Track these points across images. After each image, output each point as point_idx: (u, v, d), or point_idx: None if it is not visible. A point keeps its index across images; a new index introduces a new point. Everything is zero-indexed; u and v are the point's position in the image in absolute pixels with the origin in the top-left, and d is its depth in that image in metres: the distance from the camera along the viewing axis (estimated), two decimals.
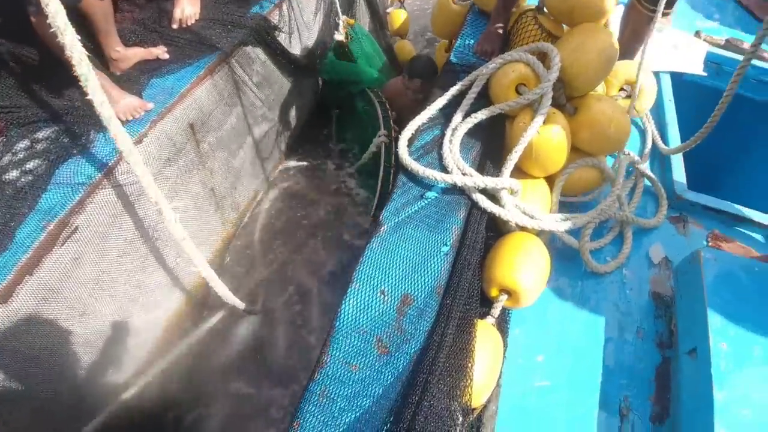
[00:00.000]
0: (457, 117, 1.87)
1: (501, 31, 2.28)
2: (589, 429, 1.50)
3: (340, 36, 3.82)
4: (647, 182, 2.16)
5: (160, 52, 2.59)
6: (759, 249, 2.01)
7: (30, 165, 2.02)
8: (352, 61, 3.85)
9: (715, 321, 1.48)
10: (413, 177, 1.74)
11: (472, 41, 2.39)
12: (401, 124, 3.49)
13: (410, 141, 1.85)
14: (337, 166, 4.08)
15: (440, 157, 1.77)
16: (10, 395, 1.90)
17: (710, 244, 2.03)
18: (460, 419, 1.29)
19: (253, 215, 3.56)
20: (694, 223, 2.10)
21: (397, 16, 5.16)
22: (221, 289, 2.58)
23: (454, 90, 1.97)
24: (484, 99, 1.95)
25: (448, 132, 1.82)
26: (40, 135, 2.11)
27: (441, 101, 1.96)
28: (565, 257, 1.86)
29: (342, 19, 3.82)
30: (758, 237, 2.09)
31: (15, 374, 1.91)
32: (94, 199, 2.03)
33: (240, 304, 2.84)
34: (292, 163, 4.04)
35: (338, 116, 4.29)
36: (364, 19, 4.70)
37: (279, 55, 3.33)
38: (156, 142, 2.32)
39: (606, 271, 1.83)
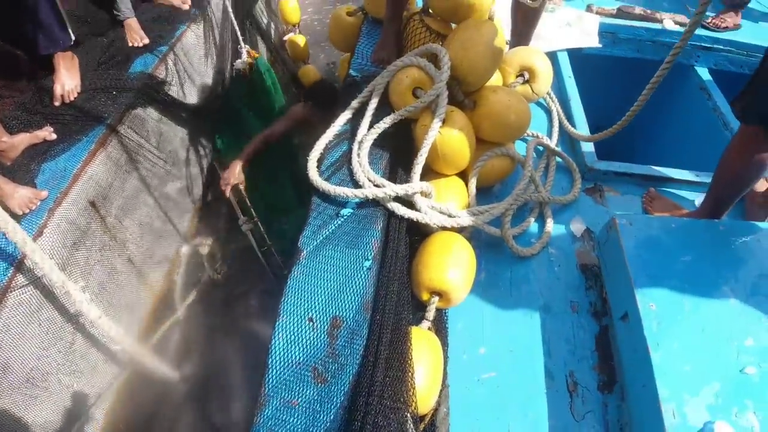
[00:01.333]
0: (362, 129, 1.87)
1: (394, 37, 2.31)
2: (541, 411, 1.52)
3: (242, 65, 3.77)
4: (559, 160, 2.22)
5: (47, 133, 2.49)
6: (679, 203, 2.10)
7: None
8: (254, 90, 3.86)
9: (640, 283, 1.52)
10: (326, 197, 1.73)
11: (369, 51, 2.41)
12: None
13: (319, 161, 1.85)
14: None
15: (351, 173, 1.77)
16: None
17: (645, 202, 2.10)
18: (411, 430, 1.28)
19: (179, 273, 3.45)
20: (610, 190, 2.17)
21: (296, 43, 5.21)
22: (149, 362, 2.54)
23: (355, 103, 1.98)
24: (387, 107, 1.97)
25: (355, 146, 1.83)
26: None
27: (345, 116, 1.97)
28: (491, 247, 1.89)
29: (245, 49, 3.78)
30: (675, 192, 2.18)
31: None
32: (6, 303, 1.95)
33: (172, 374, 2.81)
34: (210, 212, 3.92)
35: None
36: (261, 51, 4.72)
37: (173, 108, 3.26)
38: (58, 230, 2.23)
39: (532, 253, 1.86)
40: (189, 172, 3.66)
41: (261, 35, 4.78)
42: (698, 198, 2.15)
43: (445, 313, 1.68)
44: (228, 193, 3.07)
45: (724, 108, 2.77)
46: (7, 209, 2.07)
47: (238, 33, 3.74)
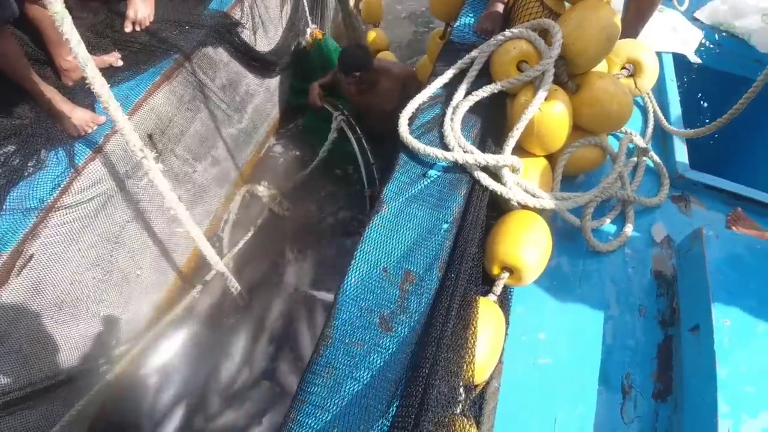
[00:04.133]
0: (458, 95, 1.85)
1: (501, 9, 2.26)
2: (591, 405, 1.51)
3: (305, 42, 3.94)
4: (649, 162, 2.15)
5: (113, 59, 2.44)
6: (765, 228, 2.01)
7: None
8: (310, 67, 3.98)
9: (717, 298, 1.48)
10: (414, 156, 1.72)
11: (472, 21, 2.36)
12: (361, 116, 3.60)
13: (411, 120, 1.83)
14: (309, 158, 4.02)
15: (441, 135, 1.75)
16: None
17: (729, 220, 2.03)
18: (463, 395, 1.28)
19: (232, 220, 3.47)
20: (696, 202, 2.09)
21: (370, 4, 5.10)
22: (209, 253, 2.49)
23: (454, 68, 1.95)
24: (484, 77, 1.93)
25: (449, 110, 1.80)
26: None
27: (441, 80, 1.94)
28: (566, 236, 1.85)
29: (311, 28, 3.88)
30: (761, 216, 2.08)
31: None
32: (48, 222, 1.93)
33: (233, 282, 2.80)
34: (267, 161, 4.00)
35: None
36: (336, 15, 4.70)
37: (243, 54, 3.19)
38: (112, 156, 2.19)
39: (608, 249, 1.82)
40: (252, 120, 3.67)
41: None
42: None
43: (511, 291, 1.66)
44: (317, 99, 3.68)
45: None
46: (63, 129, 2.09)
47: (307, 13, 3.84)
